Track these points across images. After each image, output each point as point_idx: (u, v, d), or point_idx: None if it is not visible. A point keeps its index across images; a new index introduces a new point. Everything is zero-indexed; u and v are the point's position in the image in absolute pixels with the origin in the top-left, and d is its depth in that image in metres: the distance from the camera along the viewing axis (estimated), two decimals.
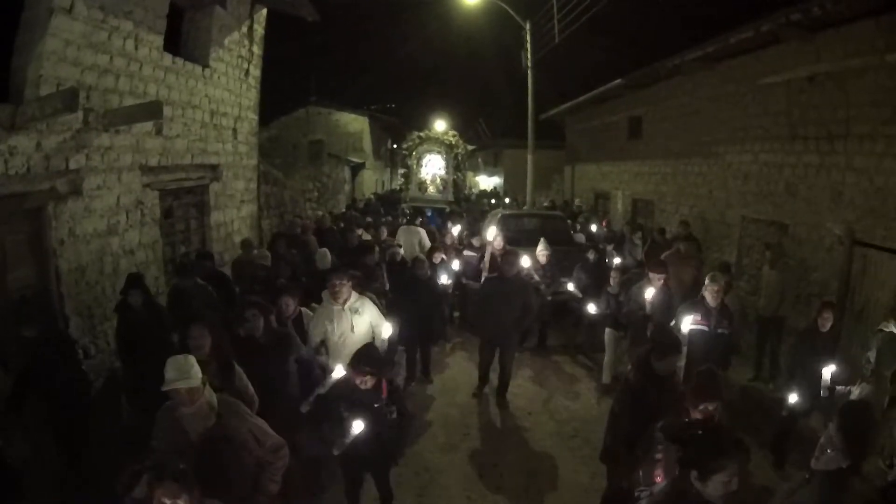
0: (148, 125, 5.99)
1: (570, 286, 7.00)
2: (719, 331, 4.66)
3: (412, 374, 6.32)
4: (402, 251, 7.76)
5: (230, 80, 8.15)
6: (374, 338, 4.42)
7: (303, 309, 4.78)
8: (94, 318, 5.34)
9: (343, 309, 4.36)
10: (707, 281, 4.82)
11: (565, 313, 7.53)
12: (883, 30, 5.59)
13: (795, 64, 6.87)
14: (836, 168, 6.34)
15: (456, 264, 7.65)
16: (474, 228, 9.83)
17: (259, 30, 9.01)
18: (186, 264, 5.85)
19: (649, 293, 5.30)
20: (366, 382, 3.27)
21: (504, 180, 26.45)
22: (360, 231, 8.69)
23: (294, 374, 4.08)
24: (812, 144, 6.74)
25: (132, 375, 4.71)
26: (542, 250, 7.20)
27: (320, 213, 13.12)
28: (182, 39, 7.26)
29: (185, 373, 2.56)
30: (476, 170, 32.30)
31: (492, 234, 7.33)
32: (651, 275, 5.48)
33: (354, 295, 4.46)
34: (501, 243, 7.40)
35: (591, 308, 6.14)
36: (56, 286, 4.84)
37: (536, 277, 6.99)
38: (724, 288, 4.83)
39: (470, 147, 18.82)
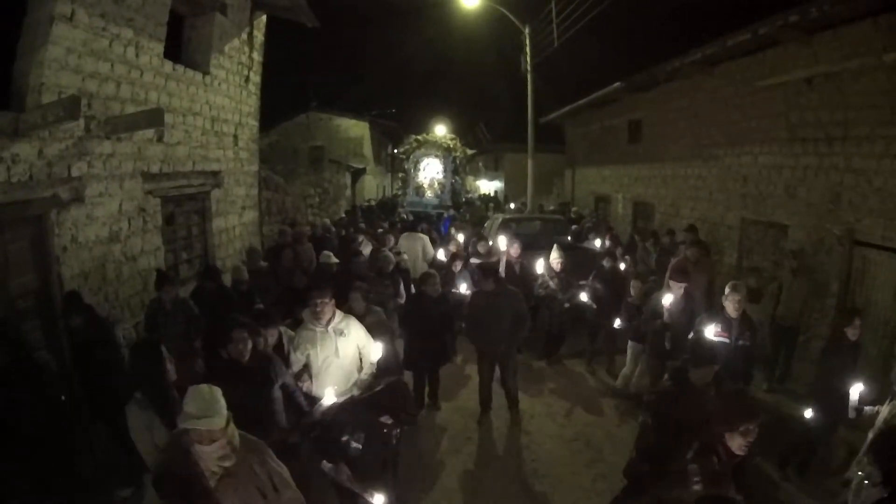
0: (149, 132, 6.01)
1: (584, 296, 6.62)
2: (740, 342, 4.49)
3: (421, 399, 5.77)
4: (406, 259, 7.52)
5: (231, 86, 8.20)
6: (360, 361, 4.14)
7: (282, 329, 4.45)
8: None
9: (327, 331, 4.01)
10: (727, 290, 4.58)
11: (581, 322, 7.10)
12: (881, 30, 5.61)
13: (793, 66, 6.89)
14: (835, 169, 6.36)
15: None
16: (480, 234, 9.74)
17: (259, 36, 9.07)
18: (166, 276, 5.46)
19: (667, 301, 5.15)
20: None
21: (505, 184, 26.43)
22: (360, 238, 8.68)
23: (280, 401, 3.68)
24: (811, 146, 6.76)
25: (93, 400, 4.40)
26: (555, 257, 6.91)
27: (317, 220, 13.08)
28: (182, 46, 7.32)
29: (209, 410, 2.26)
30: (477, 174, 32.29)
31: (503, 241, 7.09)
32: (672, 283, 5.34)
33: (339, 315, 4.12)
34: (518, 250, 7.22)
35: (617, 323, 5.97)
36: (59, 293, 4.86)
37: (552, 284, 6.79)
38: (746, 297, 4.60)
39: (470, 151, 18.81)
